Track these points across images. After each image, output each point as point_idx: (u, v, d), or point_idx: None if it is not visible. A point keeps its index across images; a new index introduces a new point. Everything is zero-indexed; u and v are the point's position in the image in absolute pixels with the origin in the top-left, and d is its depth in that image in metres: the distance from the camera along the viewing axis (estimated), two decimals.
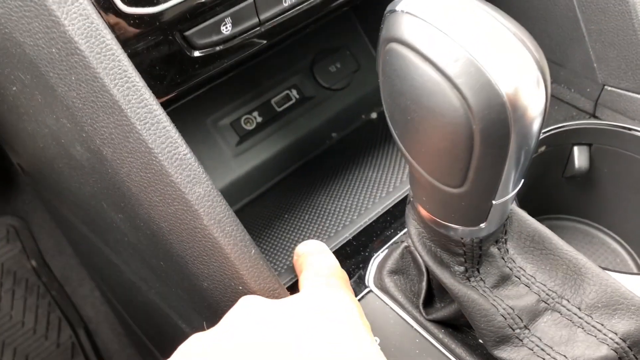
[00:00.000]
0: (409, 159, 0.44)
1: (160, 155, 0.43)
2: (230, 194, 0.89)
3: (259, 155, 0.93)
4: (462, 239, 0.48)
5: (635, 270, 0.79)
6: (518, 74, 0.38)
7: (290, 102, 0.97)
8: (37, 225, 1.64)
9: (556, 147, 0.75)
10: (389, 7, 0.41)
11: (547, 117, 0.79)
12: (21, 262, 1.61)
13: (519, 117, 0.39)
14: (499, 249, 0.52)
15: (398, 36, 0.39)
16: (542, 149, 0.75)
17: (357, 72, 1.02)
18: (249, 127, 0.93)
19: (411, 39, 0.39)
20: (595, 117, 0.78)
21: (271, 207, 0.85)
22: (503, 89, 0.37)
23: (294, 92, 0.98)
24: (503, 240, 0.52)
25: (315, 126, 0.98)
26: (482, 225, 0.46)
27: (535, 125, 0.40)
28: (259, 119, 0.94)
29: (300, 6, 0.56)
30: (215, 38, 0.52)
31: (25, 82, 0.47)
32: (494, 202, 0.44)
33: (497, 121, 0.38)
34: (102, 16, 0.43)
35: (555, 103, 0.80)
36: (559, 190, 0.81)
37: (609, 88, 0.75)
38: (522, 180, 0.45)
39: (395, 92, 0.41)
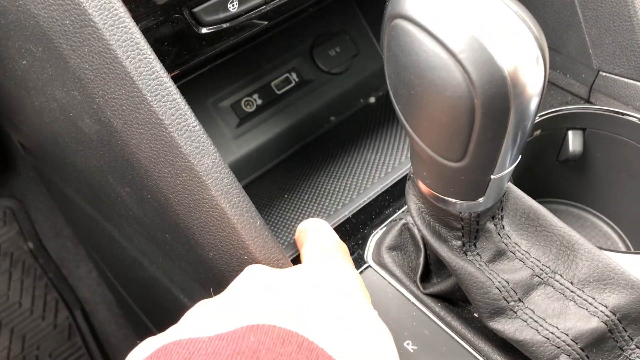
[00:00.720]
0: (411, 134, 0.46)
1: (170, 126, 0.44)
2: None
3: (259, 137, 0.94)
4: (460, 213, 0.50)
5: None
6: (519, 51, 0.39)
7: (290, 85, 0.98)
8: (34, 207, 1.65)
9: (551, 131, 0.77)
10: None
11: (543, 102, 0.81)
12: (18, 244, 1.62)
13: (519, 93, 0.40)
14: (495, 225, 0.53)
15: (403, 13, 0.41)
16: (537, 132, 0.76)
17: (356, 56, 1.03)
18: (249, 110, 0.94)
19: (416, 15, 0.40)
20: (590, 103, 0.80)
21: (271, 187, 0.86)
22: (504, 64, 0.38)
23: (294, 75, 0.99)
24: (499, 216, 0.53)
25: (314, 109, 0.99)
26: (480, 199, 0.47)
27: (534, 102, 0.42)
28: (259, 102, 0.96)
29: None
30: (222, 15, 0.53)
31: (37, 54, 0.48)
32: (492, 176, 0.45)
33: (498, 96, 0.39)
34: None
35: (550, 88, 0.82)
36: (553, 173, 0.83)
37: (604, 74, 0.77)
38: (520, 156, 0.47)
39: (399, 66, 0.42)
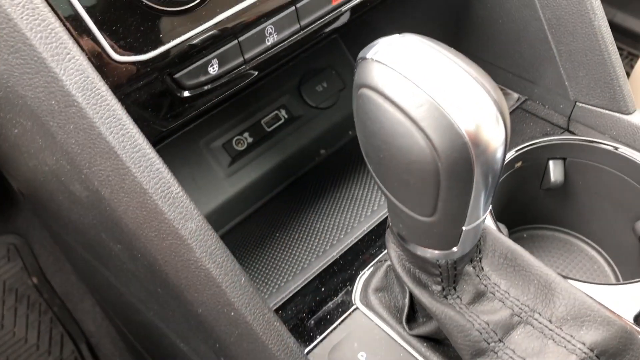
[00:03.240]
0: (384, 191, 0.48)
1: (154, 195, 0.46)
2: (223, 213, 0.93)
3: (251, 175, 0.96)
4: (437, 261, 0.52)
5: (611, 275, 0.83)
6: (477, 115, 0.41)
7: (280, 122, 1.01)
8: (37, 243, 1.67)
9: (532, 162, 0.79)
10: (360, 54, 0.45)
11: (523, 132, 0.83)
12: (22, 279, 1.64)
13: (480, 153, 0.42)
14: (474, 267, 0.55)
15: (368, 82, 0.43)
16: (519, 164, 0.78)
17: (343, 90, 1.06)
18: (240, 148, 0.97)
19: (380, 85, 0.42)
20: (569, 132, 0.82)
21: (263, 225, 0.88)
22: (464, 130, 0.41)
23: (283, 112, 1.02)
24: (478, 259, 0.55)
25: (304, 144, 1.01)
26: (455, 249, 0.49)
27: (497, 158, 0.44)
28: (250, 140, 0.98)
29: (283, 44, 0.60)
30: (203, 78, 0.55)
31: (27, 127, 0.51)
32: (464, 228, 0.47)
33: (460, 159, 0.41)
34: (96, 65, 0.47)
35: (530, 119, 0.84)
36: (538, 201, 0.85)
37: (580, 104, 0.79)
38: (490, 206, 0.49)
39: (368, 132, 0.45)
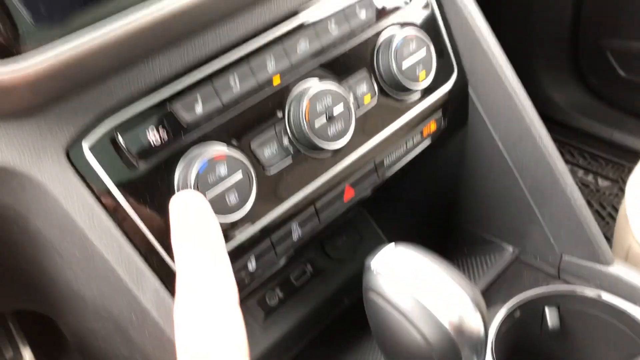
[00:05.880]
0: None
1: None
2: None
3: (281, 327, 1.08)
4: None
5: None
6: (457, 312, 0.54)
7: (306, 277, 1.14)
8: None
9: (530, 310, 0.89)
10: (366, 264, 0.59)
11: (521, 283, 0.95)
12: None
13: (465, 340, 0.54)
14: None
15: (374, 288, 0.56)
16: (517, 314, 0.89)
17: (361, 241, 1.20)
18: (273, 304, 1.09)
19: (382, 291, 0.56)
20: (562, 280, 0.93)
21: None
22: (448, 325, 0.53)
23: (309, 266, 1.15)
24: None
25: (329, 294, 1.13)
26: None
27: (479, 339, 0.56)
28: (281, 294, 1.11)
29: (308, 236, 0.74)
30: (242, 274, 0.69)
31: (109, 329, 0.64)
32: None
33: (448, 347, 0.54)
34: (162, 281, 0.61)
35: (524, 268, 0.95)
36: (542, 345, 0.93)
37: (567, 258, 0.90)
38: None
39: (376, 325, 0.57)
